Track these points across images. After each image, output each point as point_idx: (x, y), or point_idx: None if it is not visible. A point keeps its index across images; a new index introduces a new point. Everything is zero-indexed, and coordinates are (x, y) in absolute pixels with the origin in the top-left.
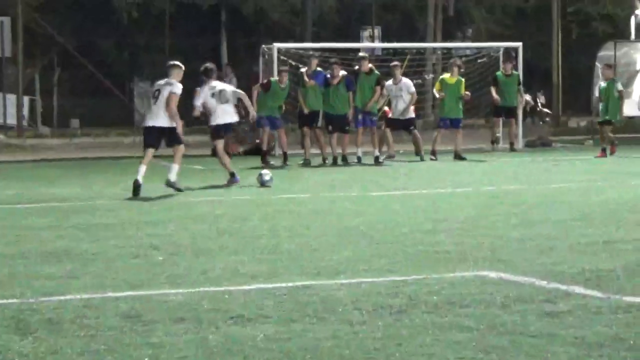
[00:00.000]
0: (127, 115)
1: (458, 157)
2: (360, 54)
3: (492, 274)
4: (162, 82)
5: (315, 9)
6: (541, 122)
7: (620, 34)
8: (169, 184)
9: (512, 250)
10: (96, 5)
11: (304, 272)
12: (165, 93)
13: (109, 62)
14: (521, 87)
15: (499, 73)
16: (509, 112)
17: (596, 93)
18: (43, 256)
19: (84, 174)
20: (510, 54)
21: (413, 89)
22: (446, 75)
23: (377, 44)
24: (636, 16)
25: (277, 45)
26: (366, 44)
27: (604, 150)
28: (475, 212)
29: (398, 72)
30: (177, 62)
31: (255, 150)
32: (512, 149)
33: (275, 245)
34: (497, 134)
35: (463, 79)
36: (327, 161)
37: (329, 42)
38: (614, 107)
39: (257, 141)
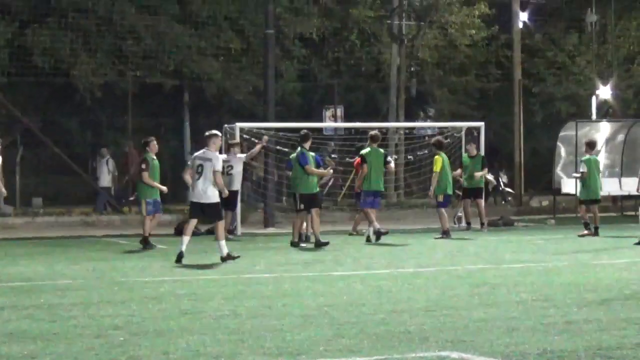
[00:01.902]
0: (90, 194)
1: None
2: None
3: (454, 354)
4: (201, 154)
5: (278, 90)
6: (503, 202)
7: (581, 113)
8: (224, 258)
9: (474, 331)
10: (60, 85)
11: (265, 352)
12: (207, 171)
13: (72, 141)
14: (485, 168)
15: (464, 156)
16: (477, 193)
17: (583, 168)
18: (3, 336)
19: (47, 253)
20: (473, 135)
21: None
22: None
23: (340, 124)
24: (597, 96)
25: (239, 124)
26: (329, 124)
27: (595, 228)
28: (438, 292)
29: None
30: (215, 132)
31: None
32: (482, 228)
33: (237, 326)
34: (459, 214)
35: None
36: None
37: (292, 121)
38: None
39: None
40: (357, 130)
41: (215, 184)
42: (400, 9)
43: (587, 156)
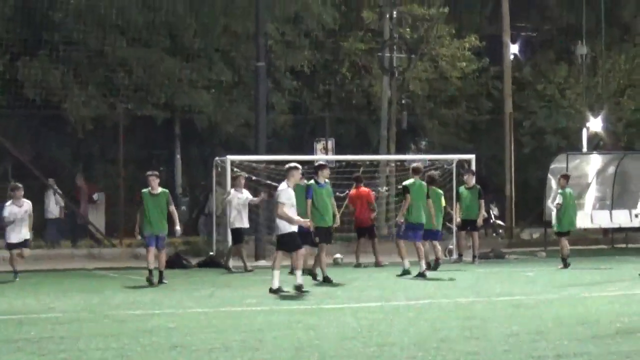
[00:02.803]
0: (81, 226)
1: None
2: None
3: None
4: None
5: (269, 122)
6: (494, 234)
7: (572, 146)
8: (298, 288)
9: None
10: (51, 117)
11: None
12: (275, 202)
13: (63, 173)
14: (482, 200)
15: (461, 188)
16: (473, 225)
17: (559, 200)
18: None
19: (37, 285)
20: (468, 167)
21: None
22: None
23: (331, 156)
24: (588, 129)
25: (230, 157)
26: (320, 156)
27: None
28: (428, 325)
29: None
30: (294, 164)
31: (210, 263)
32: (474, 260)
33: (228, 359)
34: (450, 246)
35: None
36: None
37: (283, 154)
38: (571, 216)
39: (211, 253)
40: (348, 162)
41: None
42: (391, 42)
43: (564, 189)
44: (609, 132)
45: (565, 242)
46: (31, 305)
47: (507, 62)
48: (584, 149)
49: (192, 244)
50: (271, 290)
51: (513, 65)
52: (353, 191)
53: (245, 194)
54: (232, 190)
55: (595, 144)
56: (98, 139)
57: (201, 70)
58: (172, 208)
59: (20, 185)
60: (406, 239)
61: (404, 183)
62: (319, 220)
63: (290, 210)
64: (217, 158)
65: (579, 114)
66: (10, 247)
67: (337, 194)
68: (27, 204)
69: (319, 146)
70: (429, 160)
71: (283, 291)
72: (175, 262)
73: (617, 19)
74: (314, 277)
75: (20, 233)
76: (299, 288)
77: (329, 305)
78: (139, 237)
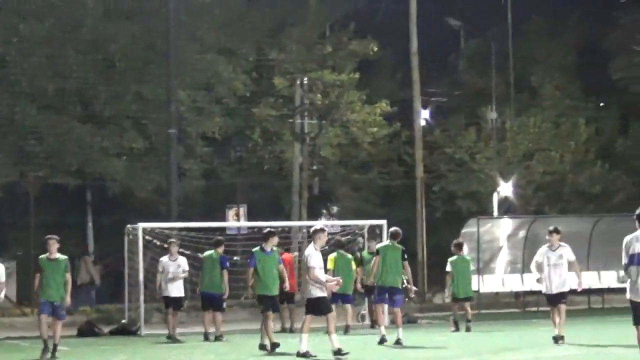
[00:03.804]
0: None
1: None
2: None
3: None
4: (305, 252)
5: (181, 189)
6: (407, 299)
7: (483, 210)
8: (336, 352)
9: None
10: None
11: None
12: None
13: None
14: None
15: (364, 253)
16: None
17: (448, 268)
18: None
19: None
20: (375, 232)
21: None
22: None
23: (243, 223)
24: (498, 193)
25: (142, 225)
26: (232, 223)
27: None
28: None
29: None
30: (321, 226)
31: (122, 330)
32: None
33: None
34: (363, 312)
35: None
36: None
37: (195, 221)
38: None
39: (123, 321)
40: (260, 229)
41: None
42: (302, 108)
43: (454, 257)
44: (519, 196)
45: (459, 307)
46: None
47: (418, 127)
48: (495, 213)
49: (103, 312)
50: (299, 354)
51: (424, 130)
52: None
53: (179, 261)
54: (166, 258)
55: (506, 208)
56: (9, 206)
57: (113, 137)
58: (68, 276)
59: None
60: (377, 303)
61: (377, 246)
62: (262, 288)
63: (320, 274)
64: (128, 225)
65: (490, 178)
66: None
67: (248, 260)
68: None
69: (231, 212)
70: (341, 226)
71: (312, 355)
72: (87, 331)
73: (526, 84)
74: (263, 347)
75: None
76: (338, 352)
77: None
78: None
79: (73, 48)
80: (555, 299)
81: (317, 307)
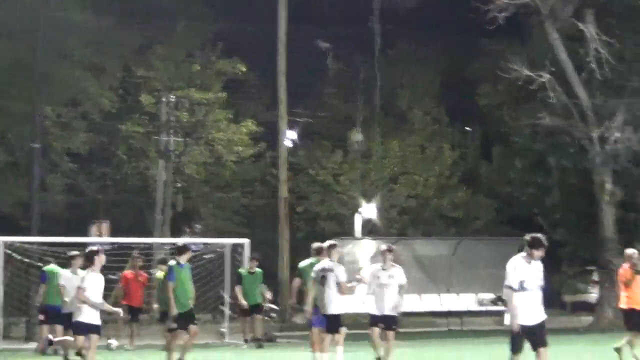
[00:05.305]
0: None
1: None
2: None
3: None
4: (323, 266)
5: (44, 203)
6: (267, 318)
7: (346, 231)
8: None
9: None
10: None
11: None
12: (331, 281)
13: None
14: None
15: (242, 270)
16: (257, 310)
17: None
18: None
19: None
20: (253, 251)
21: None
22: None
23: (105, 239)
24: (360, 214)
25: (3, 238)
26: (94, 239)
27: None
28: None
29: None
30: (334, 242)
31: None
32: (259, 345)
33: None
34: (223, 329)
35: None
36: None
37: (58, 236)
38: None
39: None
40: (121, 245)
41: (340, 293)
42: (167, 125)
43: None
44: (383, 218)
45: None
46: None
47: (282, 148)
48: (357, 234)
49: None
50: None
51: (290, 150)
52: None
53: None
54: (68, 272)
55: (369, 229)
56: None
57: None
58: None
59: None
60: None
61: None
62: (177, 305)
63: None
64: None
65: (352, 200)
66: None
67: (110, 276)
68: None
69: (94, 228)
70: (203, 244)
71: None
72: None
73: (393, 109)
74: None
75: None
76: None
77: None
78: None
79: None
80: (386, 322)
81: (335, 324)
